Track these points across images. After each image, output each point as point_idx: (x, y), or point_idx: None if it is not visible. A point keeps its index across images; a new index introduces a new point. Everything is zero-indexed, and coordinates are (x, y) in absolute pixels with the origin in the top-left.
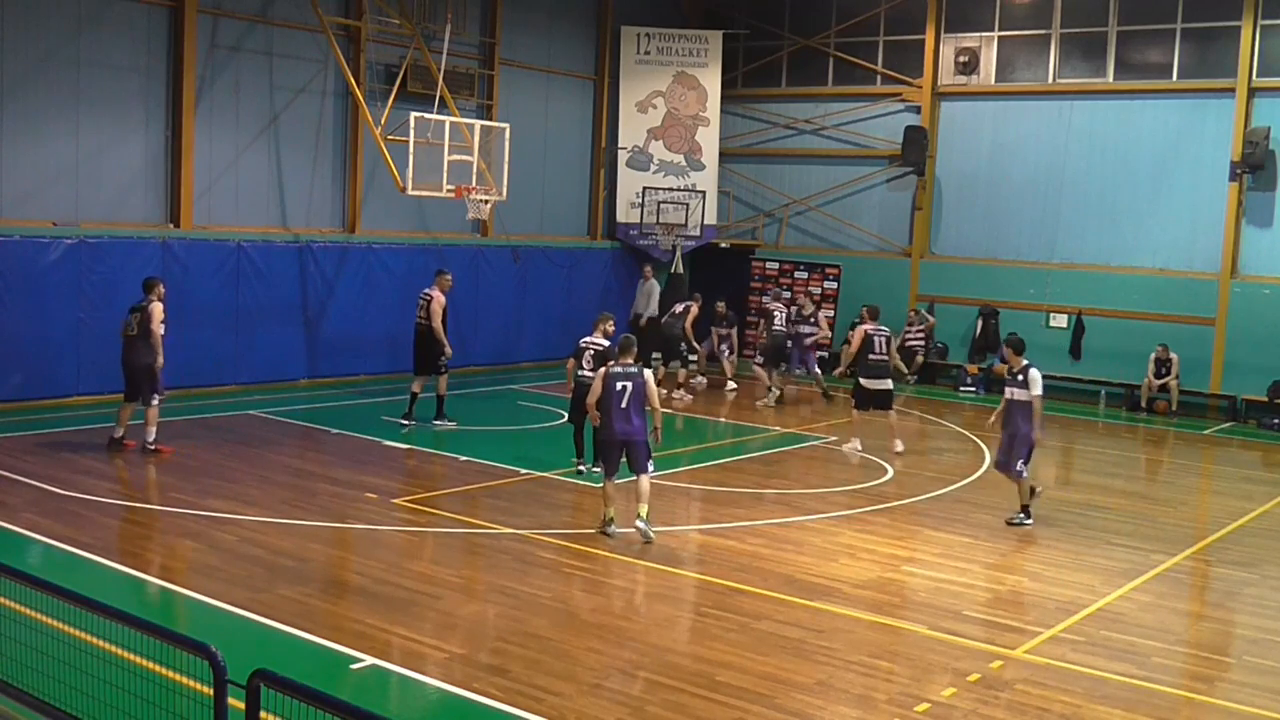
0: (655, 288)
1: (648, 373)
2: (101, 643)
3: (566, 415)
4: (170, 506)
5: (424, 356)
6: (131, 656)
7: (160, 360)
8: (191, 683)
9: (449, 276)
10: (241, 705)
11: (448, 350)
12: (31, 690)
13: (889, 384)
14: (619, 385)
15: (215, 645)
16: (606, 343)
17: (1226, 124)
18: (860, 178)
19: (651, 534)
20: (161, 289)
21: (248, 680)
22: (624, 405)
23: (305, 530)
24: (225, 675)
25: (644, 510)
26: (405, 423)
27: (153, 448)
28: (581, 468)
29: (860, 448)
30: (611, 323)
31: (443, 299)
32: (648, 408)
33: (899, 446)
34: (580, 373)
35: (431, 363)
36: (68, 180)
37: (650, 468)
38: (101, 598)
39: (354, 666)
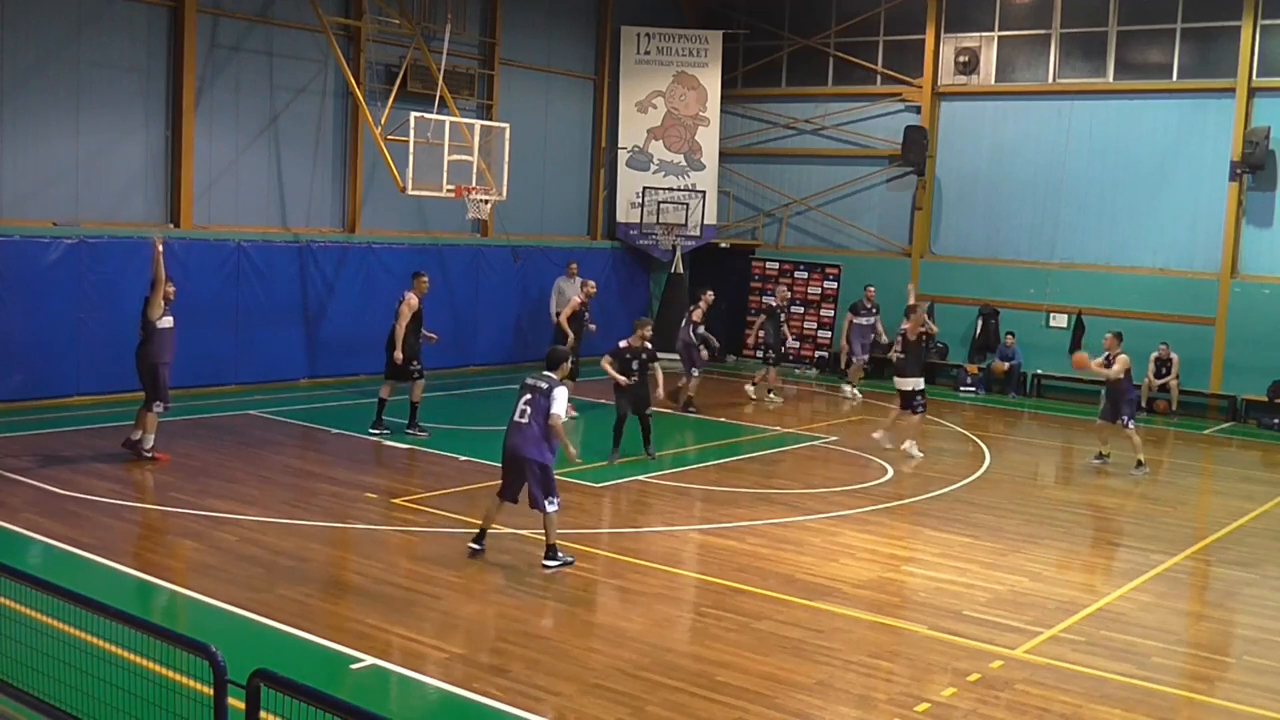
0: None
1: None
2: (102, 643)
3: None
4: (170, 506)
5: (393, 361)
6: (132, 656)
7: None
8: (192, 683)
9: (425, 279)
10: (241, 705)
11: (398, 355)
12: (32, 690)
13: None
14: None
15: (215, 645)
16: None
17: (1226, 124)
18: (860, 178)
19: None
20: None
21: (248, 680)
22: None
23: (305, 530)
24: (225, 675)
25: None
26: (375, 432)
27: (149, 455)
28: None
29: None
30: None
31: (414, 302)
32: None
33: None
34: None
35: (402, 367)
36: (68, 180)
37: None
38: (102, 598)
39: (354, 666)
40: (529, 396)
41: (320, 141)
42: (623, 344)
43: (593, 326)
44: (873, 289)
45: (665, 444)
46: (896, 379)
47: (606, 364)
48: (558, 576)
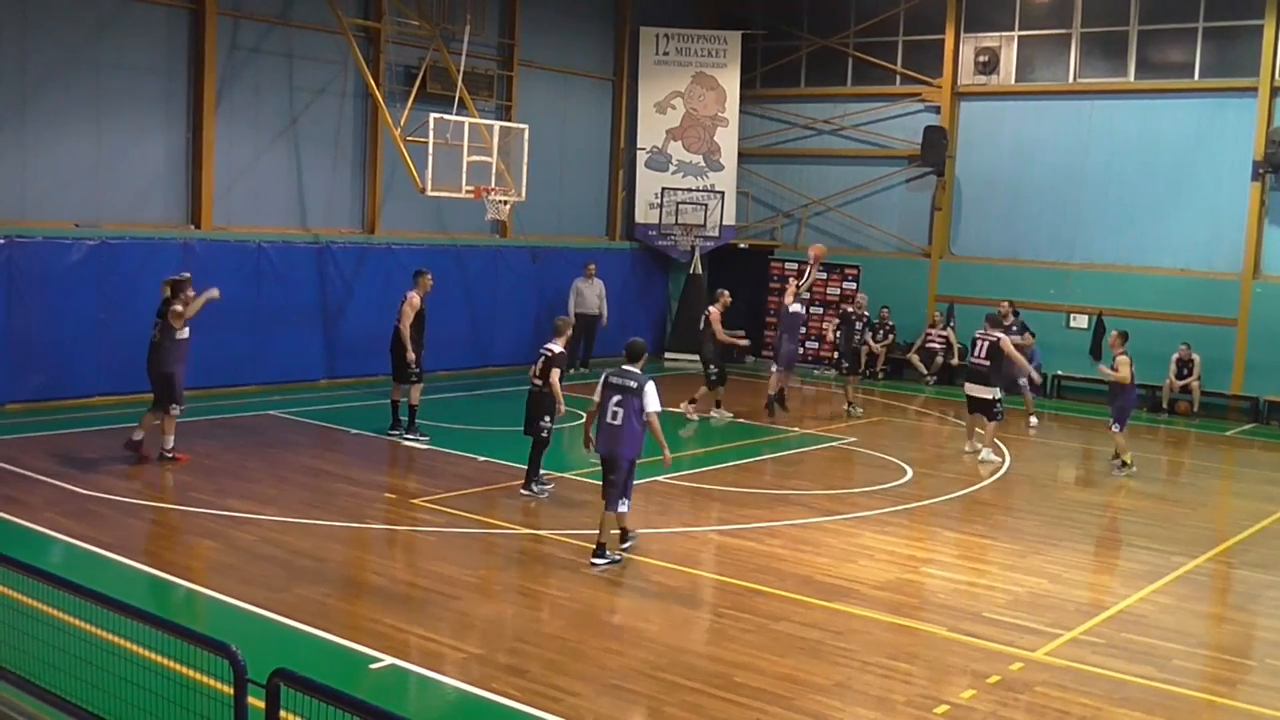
0: (599, 285)
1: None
2: (123, 642)
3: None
4: (190, 506)
5: (398, 362)
6: (153, 655)
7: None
8: (212, 682)
9: (429, 277)
10: (261, 704)
11: (410, 355)
12: (54, 689)
13: None
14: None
15: (235, 645)
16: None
17: (1248, 123)
18: (879, 178)
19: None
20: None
21: (268, 679)
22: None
23: (324, 530)
24: (245, 674)
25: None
26: (393, 434)
27: (170, 456)
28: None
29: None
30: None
31: (417, 301)
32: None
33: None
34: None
35: (403, 369)
36: (89, 181)
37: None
38: (123, 597)
39: (373, 666)
40: (619, 397)
41: (340, 143)
42: (558, 349)
43: (746, 341)
44: (1006, 303)
45: (686, 445)
46: (979, 388)
47: (556, 376)
48: (576, 577)
